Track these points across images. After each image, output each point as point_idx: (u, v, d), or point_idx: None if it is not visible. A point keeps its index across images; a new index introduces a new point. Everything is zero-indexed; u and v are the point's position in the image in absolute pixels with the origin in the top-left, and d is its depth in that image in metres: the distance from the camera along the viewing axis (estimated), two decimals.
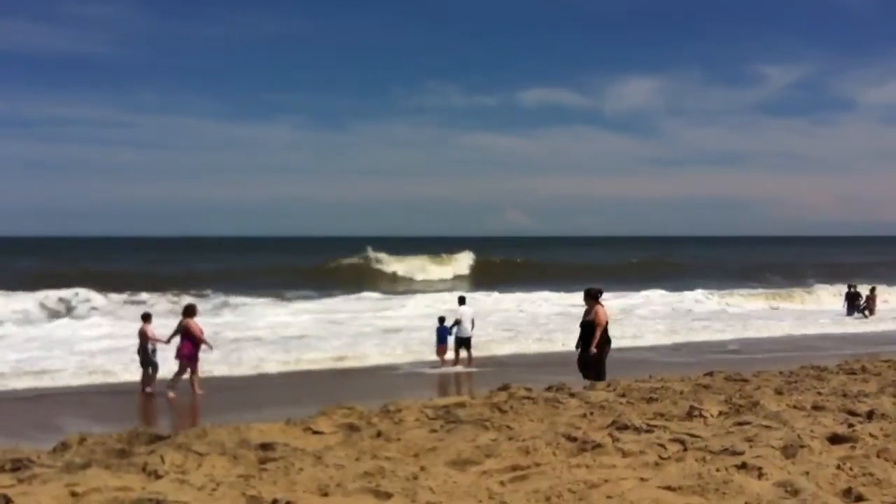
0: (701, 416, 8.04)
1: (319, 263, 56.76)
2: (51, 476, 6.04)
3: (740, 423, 7.66)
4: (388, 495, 5.80)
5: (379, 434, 7.57)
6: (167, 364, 16.10)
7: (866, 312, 32.30)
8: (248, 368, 18.37)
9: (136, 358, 16.34)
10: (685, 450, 6.79)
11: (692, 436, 7.21)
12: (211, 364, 17.28)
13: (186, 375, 15.72)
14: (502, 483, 6.14)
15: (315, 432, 7.63)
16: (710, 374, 11.32)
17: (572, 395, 9.45)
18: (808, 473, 5.78)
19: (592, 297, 13.47)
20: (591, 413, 8.32)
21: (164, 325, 17.48)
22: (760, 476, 5.82)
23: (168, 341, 16.11)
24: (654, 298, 37.75)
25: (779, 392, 9.30)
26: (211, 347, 16.46)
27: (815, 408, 8.14)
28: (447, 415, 8.30)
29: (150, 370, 16.11)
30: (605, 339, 13.21)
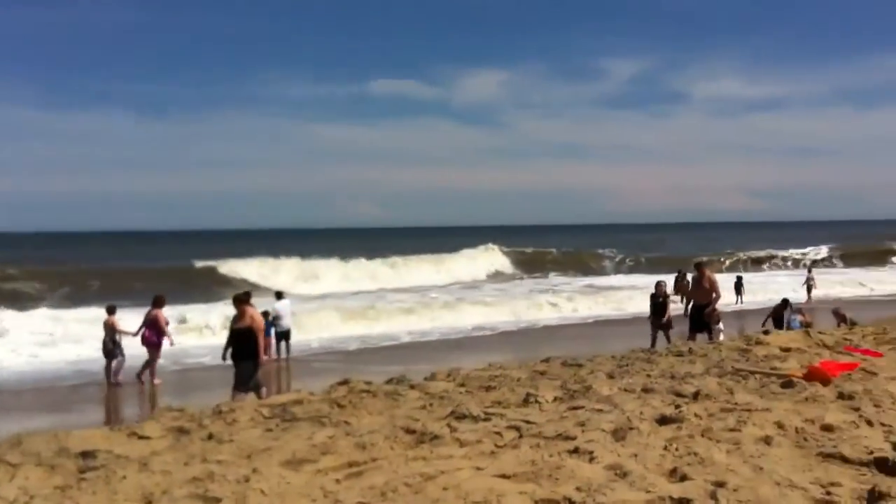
0: (536, 402, 8.15)
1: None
2: None
3: (574, 408, 7.80)
4: (217, 500, 5.56)
5: (210, 436, 7.28)
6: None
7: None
8: None
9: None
10: (520, 437, 6.84)
11: (528, 422, 7.28)
12: None
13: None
14: (337, 481, 6.00)
15: (141, 437, 7.27)
16: (547, 360, 11.54)
17: (412, 386, 9.41)
18: (636, 455, 5.91)
19: (242, 302, 12.24)
20: (431, 404, 8.29)
21: None
22: (591, 460, 5.91)
23: (136, 333, 16.62)
24: None
25: (611, 376, 9.55)
26: (172, 343, 17.01)
27: (645, 390, 8.39)
28: (283, 413, 8.08)
29: (117, 361, 16.49)
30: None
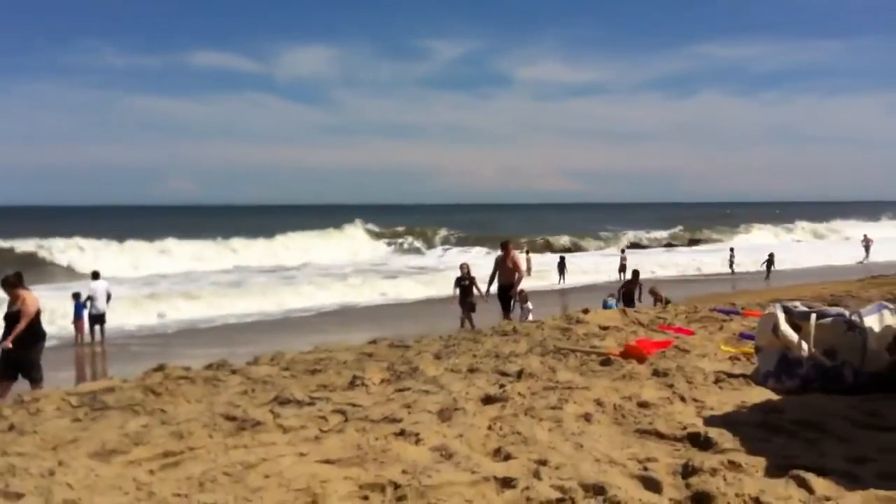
0: (363, 384, 8.05)
1: None
2: None
3: (401, 390, 7.75)
4: (19, 496, 5.14)
5: (11, 427, 6.76)
6: None
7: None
8: None
9: None
10: (346, 421, 6.72)
11: (354, 405, 7.17)
12: None
13: None
14: (151, 472, 5.68)
15: None
16: (374, 341, 11.46)
17: (234, 371, 9.09)
18: (461, 436, 5.91)
19: (12, 285, 11.04)
20: (253, 390, 8.04)
21: None
22: (418, 442, 5.87)
23: None
24: None
25: (437, 357, 9.57)
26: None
27: (471, 370, 8.44)
28: (93, 401, 7.61)
29: None
30: (38, 334, 11.01)
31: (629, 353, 8.67)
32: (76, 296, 18.83)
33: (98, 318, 18.74)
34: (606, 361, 8.46)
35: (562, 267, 35.36)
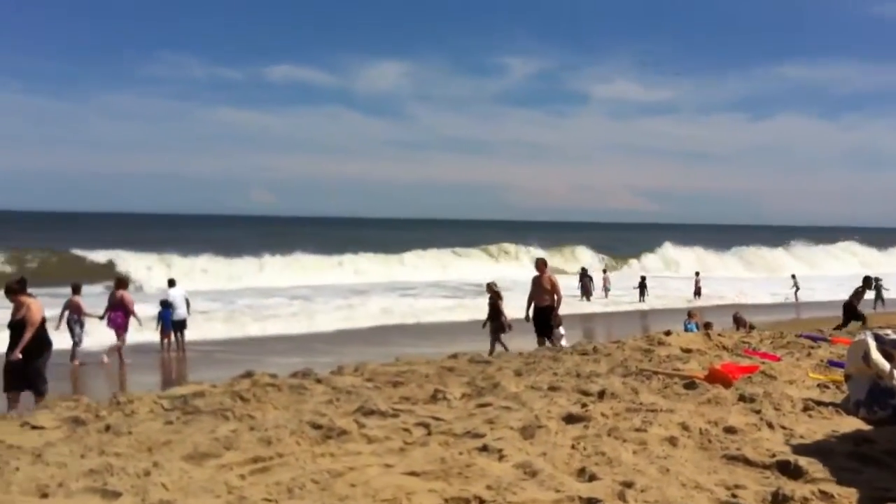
0: (445, 398, 8.12)
1: None
2: None
3: (482, 406, 7.80)
4: (117, 494, 5.35)
5: (108, 428, 7.01)
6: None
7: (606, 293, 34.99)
8: None
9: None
10: (429, 434, 6.80)
11: (436, 419, 7.25)
12: None
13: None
14: (242, 476, 5.85)
15: (34, 427, 6.95)
16: (455, 356, 11.53)
17: (318, 380, 9.25)
18: (545, 454, 5.94)
19: (14, 292, 10.73)
20: (338, 399, 8.18)
21: None
22: (501, 458, 5.91)
23: (102, 316, 17.14)
24: None
25: (518, 374, 9.59)
26: (140, 323, 17.49)
27: (552, 388, 8.44)
28: (185, 405, 7.85)
29: (76, 340, 16.74)
30: (44, 342, 10.74)
31: (714, 377, 8.56)
32: (163, 303, 19.39)
33: (179, 325, 19.23)
34: (691, 385, 8.37)
35: (642, 287, 35.00)
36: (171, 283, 20.10)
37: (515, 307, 17.44)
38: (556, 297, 16.02)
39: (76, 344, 16.85)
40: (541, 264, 16.39)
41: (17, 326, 10.50)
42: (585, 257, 56.39)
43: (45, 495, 5.34)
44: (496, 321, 17.42)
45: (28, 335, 10.32)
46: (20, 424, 7.02)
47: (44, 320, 10.63)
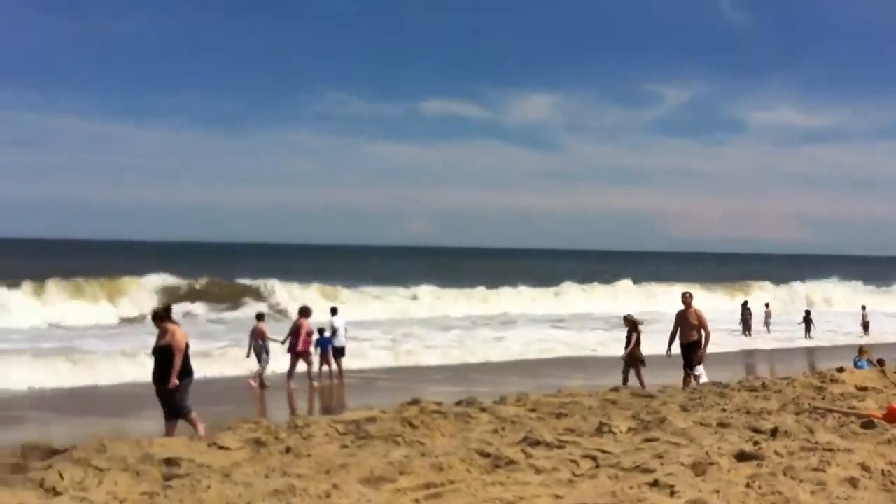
0: (611, 431, 8.10)
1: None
2: None
3: (649, 440, 7.74)
4: None
5: (288, 450, 7.37)
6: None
7: (768, 328, 33.71)
8: None
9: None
10: (597, 466, 6.81)
11: (603, 452, 7.25)
12: None
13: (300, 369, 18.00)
14: (416, 501, 6.04)
15: (221, 447, 7.38)
16: (616, 389, 11.47)
17: (483, 409, 9.41)
18: (718, 492, 5.84)
19: (161, 318, 10.98)
20: (503, 428, 8.29)
21: None
22: (672, 494, 5.86)
23: (284, 341, 18.06)
24: None
25: (684, 409, 9.45)
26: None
27: (721, 425, 8.28)
28: (357, 430, 8.15)
29: (262, 365, 17.87)
30: (186, 369, 10.86)
31: (894, 417, 8.19)
32: (321, 331, 20.02)
33: (339, 351, 19.80)
34: (868, 424, 8.02)
35: (808, 322, 33.50)
36: (334, 311, 20.69)
37: (656, 342, 16.97)
38: (703, 332, 15.28)
39: (262, 368, 17.81)
40: (687, 298, 15.74)
41: (161, 352, 10.82)
42: (763, 292, 53.51)
43: None
44: (633, 354, 17.02)
45: (178, 361, 10.64)
46: (208, 444, 7.47)
47: (187, 346, 10.94)
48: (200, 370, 14.84)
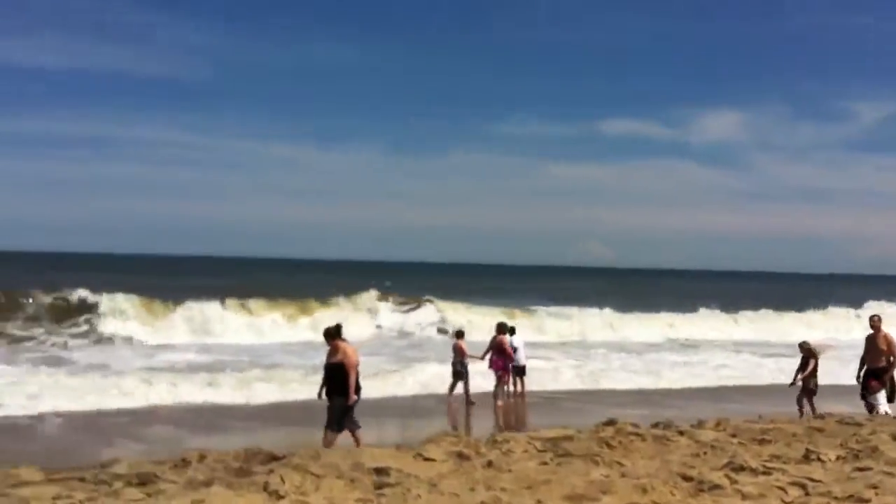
0: (819, 459, 7.82)
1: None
2: (175, 492, 6.19)
3: (861, 469, 7.43)
4: None
5: (489, 464, 7.55)
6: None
7: None
8: None
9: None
10: (807, 494, 6.62)
11: (812, 480, 7.02)
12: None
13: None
14: None
15: (426, 459, 7.65)
16: (822, 416, 11.01)
17: (681, 432, 9.28)
18: None
19: (332, 336, 11.44)
20: (704, 453, 8.17)
21: None
22: None
23: (482, 357, 18.12)
24: None
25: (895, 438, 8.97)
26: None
27: None
28: (556, 448, 8.23)
29: (463, 381, 17.90)
30: (356, 385, 11.21)
31: None
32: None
33: (519, 371, 19.92)
34: None
35: None
36: (512, 331, 20.86)
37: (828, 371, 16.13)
38: (892, 357, 14.45)
39: (465, 384, 18.15)
40: (876, 321, 14.90)
41: (333, 369, 11.21)
42: None
43: None
44: (806, 381, 16.05)
45: (353, 377, 11.08)
46: (413, 455, 7.74)
47: (357, 364, 11.28)
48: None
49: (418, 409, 16.95)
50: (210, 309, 30.91)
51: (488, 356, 18.15)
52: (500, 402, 17.64)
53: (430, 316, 36.91)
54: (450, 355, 18.41)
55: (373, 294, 37.58)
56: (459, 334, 19.09)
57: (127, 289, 32.61)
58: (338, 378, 11.10)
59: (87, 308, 29.84)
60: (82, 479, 6.71)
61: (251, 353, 25.22)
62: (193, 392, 16.92)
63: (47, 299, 30.10)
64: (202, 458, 7.68)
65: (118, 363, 21.04)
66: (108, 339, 27.04)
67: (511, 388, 19.42)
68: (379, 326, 33.74)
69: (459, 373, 18.00)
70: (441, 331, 19.50)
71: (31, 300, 29.70)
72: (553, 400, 19.16)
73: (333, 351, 11.30)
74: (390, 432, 13.35)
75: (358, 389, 11.23)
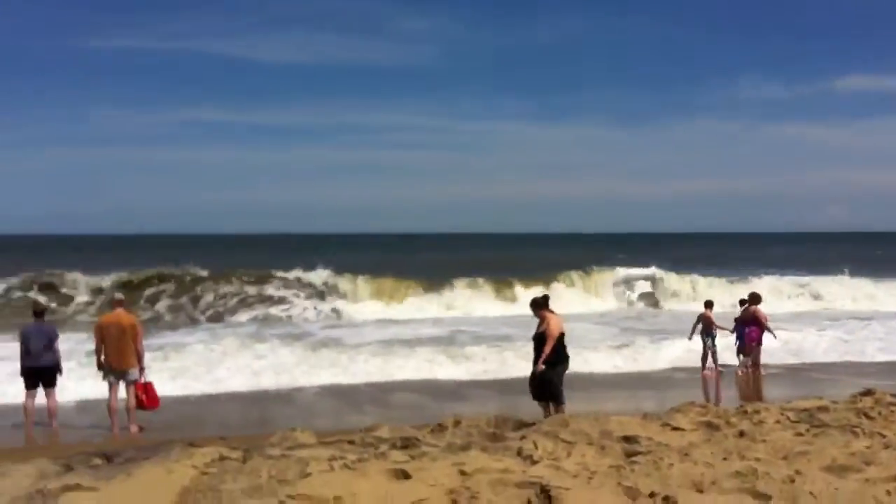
0: None
1: None
2: (437, 455, 6.54)
3: None
4: (767, 497, 5.72)
5: (741, 434, 7.44)
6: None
7: None
8: None
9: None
10: None
11: None
12: None
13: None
14: (888, 493, 5.83)
15: (674, 428, 7.64)
16: None
17: None
18: None
19: (539, 306, 11.56)
20: None
21: None
22: None
23: (733, 330, 18.22)
24: None
25: None
26: (775, 336, 18.01)
27: None
28: (810, 418, 7.98)
29: (711, 352, 18.03)
30: (559, 357, 11.24)
31: None
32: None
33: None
34: None
35: None
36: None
37: None
38: None
39: (713, 355, 17.91)
40: None
41: (539, 339, 11.43)
42: None
43: (700, 490, 5.89)
44: None
45: (548, 348, 11.17)
46: (660, 425, 7.76)
47: (562, 335, 11.36)
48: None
49: (668, 381, 17.07)
50: (442, 286, 31.99)
51: (741, 328, 17.83)
52: (740, 372, 17.38)
53: (657, 286, 36.30)
54: (694, 327, 18.15)
55: (607, 269, 37.38)
56: (708, 304, 18.80)
57: (365, 269, 34.53)
58: (542, 348, 11.30)
59: (328, 288, 31.81)
60: (351, 442, 7.23)
61: (495, 325, 25.71)
62: (423, 367, 17.64)
63: (290, 277, 32.24)
64: (457, 423, 8.05)
65: (354, 338, 22.24)
66: (347, 316, 28.64)
67: (745, 358, 18.87)
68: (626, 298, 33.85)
69: (705, 343, 17.87)
70: (708, 304, 18.97)
71: (273, 280, 31.74)
72: (796, 370, 18.43)
73: (540, 321, 11.55)
74: (632, 403, 13.42)
75: (564, 359, 11.43)
